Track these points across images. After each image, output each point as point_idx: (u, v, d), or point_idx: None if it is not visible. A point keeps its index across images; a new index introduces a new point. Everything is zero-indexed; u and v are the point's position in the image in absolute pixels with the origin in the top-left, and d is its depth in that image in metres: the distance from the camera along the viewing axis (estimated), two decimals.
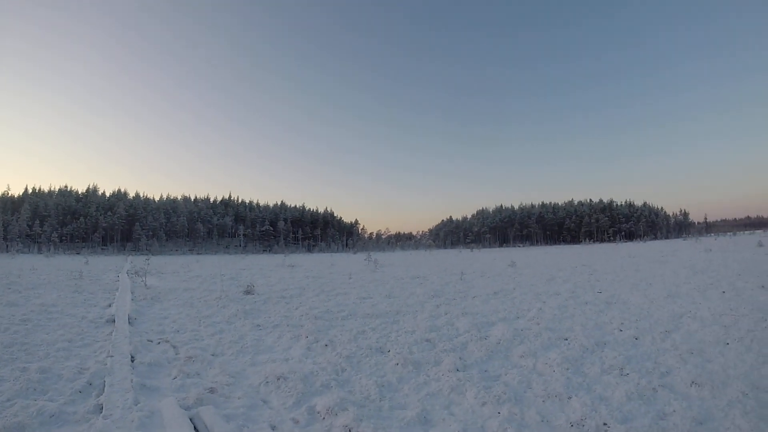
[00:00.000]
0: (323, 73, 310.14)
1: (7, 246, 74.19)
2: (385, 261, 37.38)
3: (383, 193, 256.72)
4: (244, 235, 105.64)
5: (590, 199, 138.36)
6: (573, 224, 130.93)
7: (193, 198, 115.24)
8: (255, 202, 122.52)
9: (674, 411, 4.22)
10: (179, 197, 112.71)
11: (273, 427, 4.22)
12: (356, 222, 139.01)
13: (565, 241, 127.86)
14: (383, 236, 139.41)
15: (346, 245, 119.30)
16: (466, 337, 7.44)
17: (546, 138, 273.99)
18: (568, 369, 5.61)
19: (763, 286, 11.86)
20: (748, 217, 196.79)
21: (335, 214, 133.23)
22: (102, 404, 4.58)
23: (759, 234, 77.31)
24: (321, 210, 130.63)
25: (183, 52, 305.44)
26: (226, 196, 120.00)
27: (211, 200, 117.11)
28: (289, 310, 10.64)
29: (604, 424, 4.02)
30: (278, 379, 5.32)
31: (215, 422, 4.03)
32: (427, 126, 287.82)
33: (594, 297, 11.67)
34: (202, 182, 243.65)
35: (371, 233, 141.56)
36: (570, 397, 4.66)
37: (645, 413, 4.25)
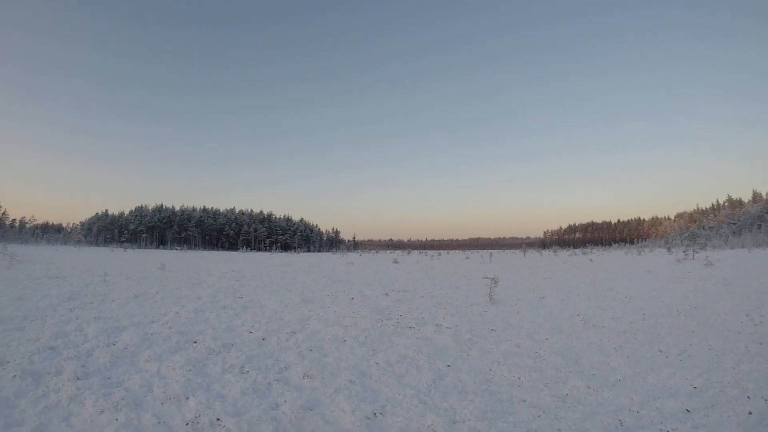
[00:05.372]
0: None
1: None
2: (25, 256, 31.96)
3: (33, 174, 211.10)
4: None
5: (251, 209, 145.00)
6: (232, 231, 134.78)
7: None
8: None
9: (285, 401, 4.83)
10: None
11: None
12: None
13: (224, 247, 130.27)
14: (28, 225, 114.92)
15: None
16: (94, 342, 7.08)
17: (210, 140, 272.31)
18: (190, 371, 5.81)
19: (387, 294, 14.66)
20: (391, 239, 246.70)
21: None
22: None
23: (397, 253, 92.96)
24: None
25: None
26: None
27: None
28: None
29: (218, 419, 4.32)
30: None
31: None
32: (91, 114, 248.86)
33: (233, 301, 12.32)
34: None
35: (14, 220, 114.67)
36: (188, 397, 4.86)
37: (258, 405, 4.73)
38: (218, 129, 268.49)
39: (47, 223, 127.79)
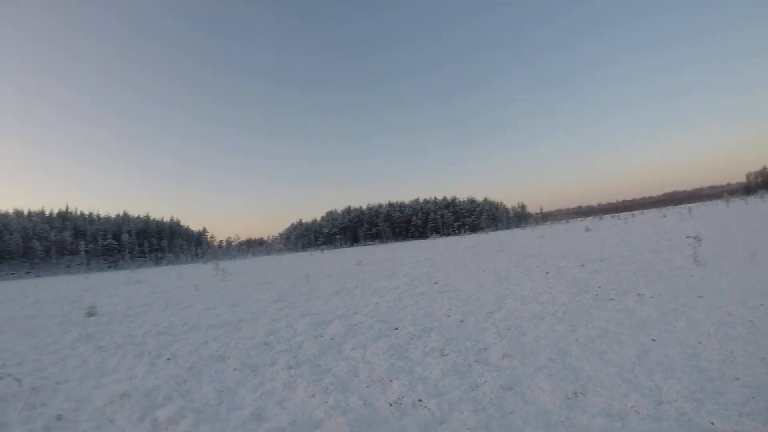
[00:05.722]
0: (151, 76, 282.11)
1: None
2: (235, 269, 36.87)
3: (231, 198, 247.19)
4: (86, 251, 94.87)
5: (435, 197, 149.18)
6: (420, 221, 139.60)
7: (26, 212, 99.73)
8: (96, 214, 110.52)
9: (485, 381, 4.80)
10: (11, 211, 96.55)
11: None
12: (204, 230, 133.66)
13: (413, 237, 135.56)
14: (233, 243, 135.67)
15: (196, 255, 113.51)
16: (303, 336, 7.77)
17: (389, 136, 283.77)
18: (392, 356, 6.07)
19: (582, 265, 13.79)
20: (580, 206, 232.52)
21: (182, 223, 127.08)
22: None
23: (588, 220, 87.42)
24: (166, 219, 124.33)
25: None
26: (63, 209, 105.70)
27: (47, 213, 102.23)
28: (133, 329, 10.20)
29: (419, 400, 4.45)
30: (122, 397, 5.29)
31: None
32: (271, 130, 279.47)
33: (429, 287, 12.57)
34: (35, 194, 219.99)
35: (221, 241, 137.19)
36: (391, 381, 5.09)
37: (458, 386, 4.77)
38: (399, 120, 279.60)
39: (250, 239, 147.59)
